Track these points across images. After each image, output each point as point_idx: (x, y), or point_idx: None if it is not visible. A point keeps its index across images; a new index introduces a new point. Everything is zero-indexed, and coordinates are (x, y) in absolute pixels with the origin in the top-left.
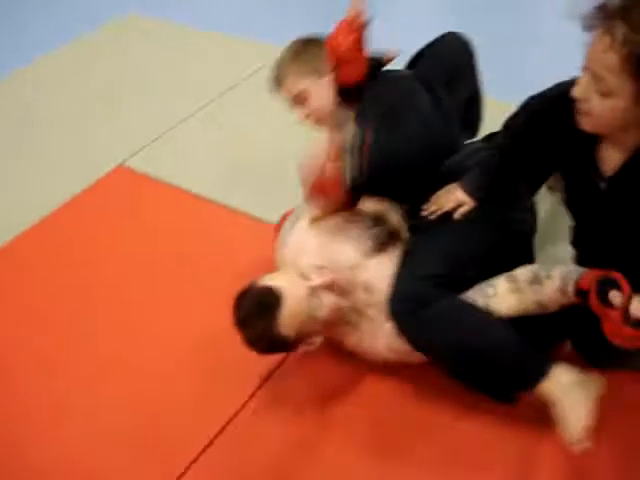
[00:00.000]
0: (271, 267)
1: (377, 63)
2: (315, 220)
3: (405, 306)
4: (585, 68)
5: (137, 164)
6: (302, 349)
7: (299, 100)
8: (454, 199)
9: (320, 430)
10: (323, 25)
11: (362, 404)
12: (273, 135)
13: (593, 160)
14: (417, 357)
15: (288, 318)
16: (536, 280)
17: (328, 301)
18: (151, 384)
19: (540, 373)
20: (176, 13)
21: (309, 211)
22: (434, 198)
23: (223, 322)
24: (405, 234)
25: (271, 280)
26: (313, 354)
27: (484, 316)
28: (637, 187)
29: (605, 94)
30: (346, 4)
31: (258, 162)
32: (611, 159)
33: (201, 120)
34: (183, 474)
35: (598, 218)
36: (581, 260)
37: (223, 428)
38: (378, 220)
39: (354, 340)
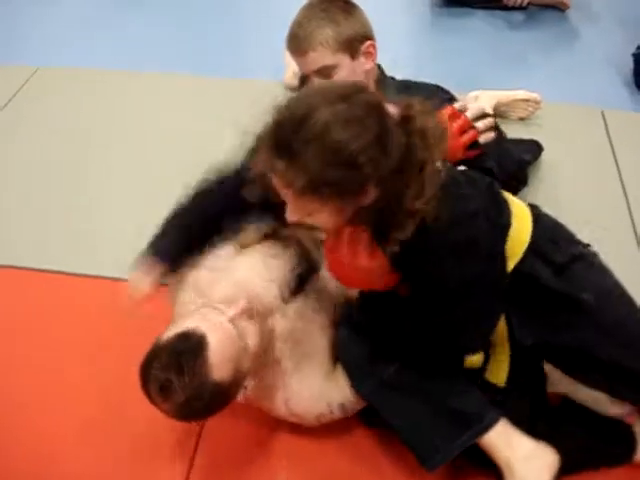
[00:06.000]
0: None
1: None
2: (243, 246)
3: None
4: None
5: None
6: (241, 395)
7: (324, 74)
8: None
9: None
10: None
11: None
12: None
13: None
14: (313, 421)
15: (219, 356)
16: None
17: (251, 329)
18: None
19: (485, 419)
20: None
21: (236, 237)
22: None
23: None
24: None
25: (179, 326)
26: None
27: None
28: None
29: (309, 214)
30: None
31: None
32: None
33: None
34: None
35: None
36: None
37: None
38: (302, 255)
39: (259, 392)
